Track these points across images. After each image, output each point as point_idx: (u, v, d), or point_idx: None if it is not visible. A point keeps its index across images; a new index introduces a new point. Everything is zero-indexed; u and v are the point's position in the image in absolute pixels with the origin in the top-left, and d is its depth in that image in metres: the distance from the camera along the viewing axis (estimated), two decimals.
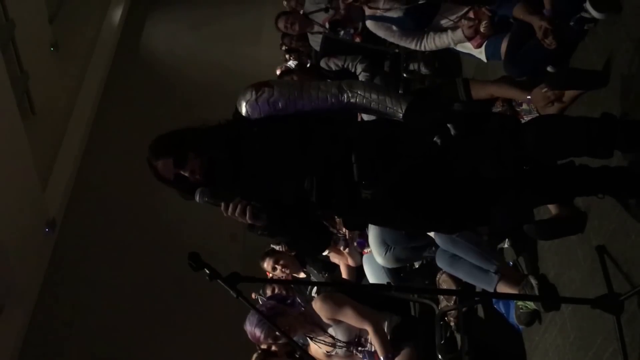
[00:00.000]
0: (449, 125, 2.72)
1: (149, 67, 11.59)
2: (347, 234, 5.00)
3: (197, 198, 2.73)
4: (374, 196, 2.71)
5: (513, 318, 3.79)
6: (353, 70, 5.19)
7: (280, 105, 2.79)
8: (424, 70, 5.60)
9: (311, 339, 4.09)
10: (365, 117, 4.20)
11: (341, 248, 5.06)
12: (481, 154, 2.69)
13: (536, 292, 3.48)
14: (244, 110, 2.81)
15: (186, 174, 2.77)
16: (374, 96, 2.80)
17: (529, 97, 3.64)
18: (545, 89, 3.54)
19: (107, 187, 9.70)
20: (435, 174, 2.73)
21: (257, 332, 3.95)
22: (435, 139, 2.70)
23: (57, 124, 9.86)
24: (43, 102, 9.14)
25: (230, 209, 2.68)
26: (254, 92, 2.80)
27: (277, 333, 3.95)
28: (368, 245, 4.61)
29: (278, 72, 7.75)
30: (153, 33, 12.33)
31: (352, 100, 2.79)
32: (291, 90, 2.82)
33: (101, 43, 11.49)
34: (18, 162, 7.87)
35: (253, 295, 4.29)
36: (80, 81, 10.72)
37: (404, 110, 2.74)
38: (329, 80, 3.11)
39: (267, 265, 5.37)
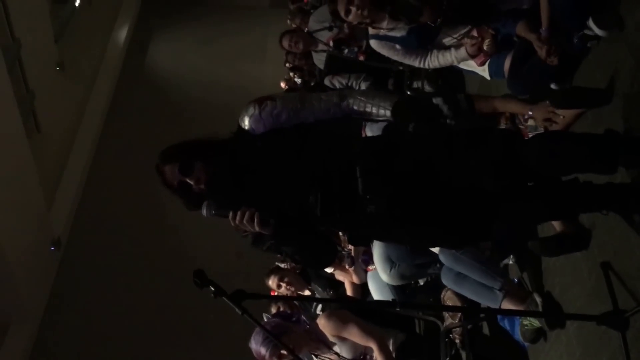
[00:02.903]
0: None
1: (154, 86, 11.65)
2: (352, 251, 5.00)
3: (204, 212, 2.73)
4: (378, 210, 2.72)
5: (518, 335, 3.78)
6: (357, 88, 5.22)
7: (284, 117, 2.81)
8: (427, 87, 5.62)
9: (316, 356, 4.07)
10: (370, 133, 4.23)
11: (346, 266, 5.05)
12: (479, 166, 2.68)
13: (540, 310, 3.47)
14: (247, 126, 2.82)
15: (191, 182, 2.78)
16: (369, 99, 2.86)
17: (530, 112, 3.64)
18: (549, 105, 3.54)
19: (112, 205, 9.72)
20: (436, 186, 2.72)
21: (262, 351, 3.94)
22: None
23: (63, 142, 9.91)
24: (49, 121, 9.19)
25: (238, 217, 2.67)
26: (257, 107, 2.83)
27: (282, 351, 3.94)
28: (373, 263, 4.61)
29: (283, 85, 7.79)
30: (158, 52, 12.41)
31: (354, 106, 2.84)
32: (294, 102, 2.84)
33: (107, 62, 11.57)
34: (24, 180, 7.90)
35: (264, 318, 4.28)
36: (86, 100, 10.79)
37: (391, 106, 2.81)
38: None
39: (272, 282, 5.36)
